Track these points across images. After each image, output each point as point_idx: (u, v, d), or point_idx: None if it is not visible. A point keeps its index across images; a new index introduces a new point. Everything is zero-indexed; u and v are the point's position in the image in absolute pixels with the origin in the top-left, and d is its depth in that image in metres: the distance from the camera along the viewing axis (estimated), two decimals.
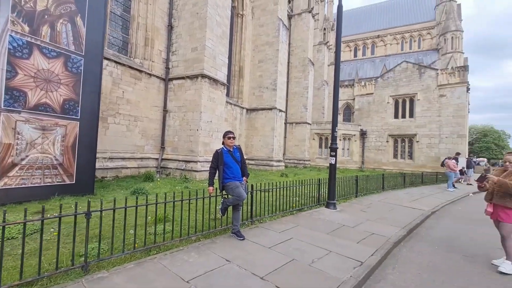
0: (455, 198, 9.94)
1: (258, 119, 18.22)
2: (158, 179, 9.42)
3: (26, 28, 5.12)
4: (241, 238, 3.89)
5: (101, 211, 2.88)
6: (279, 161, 18.35)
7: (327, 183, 6.68)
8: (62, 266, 2.71)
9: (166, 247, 3.42)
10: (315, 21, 27.03)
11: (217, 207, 4.45)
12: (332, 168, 6.56)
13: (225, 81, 12.43)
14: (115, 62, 9.92)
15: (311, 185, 6.61)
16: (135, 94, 10.72)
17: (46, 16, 5.37)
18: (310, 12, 24.28)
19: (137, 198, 3.42)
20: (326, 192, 6.70)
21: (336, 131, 6.61)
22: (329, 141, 24.58)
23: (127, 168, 10.14)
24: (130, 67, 10.45)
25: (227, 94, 16.30)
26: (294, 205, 6.02)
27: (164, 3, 11.89)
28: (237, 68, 17.95)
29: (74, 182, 5.87)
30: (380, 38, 40.47)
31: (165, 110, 11.82)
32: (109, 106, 9.73)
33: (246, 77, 18.43)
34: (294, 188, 6.05)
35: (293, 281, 2.79)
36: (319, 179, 6.88)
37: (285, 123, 22.39)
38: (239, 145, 4.32)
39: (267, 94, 18.10)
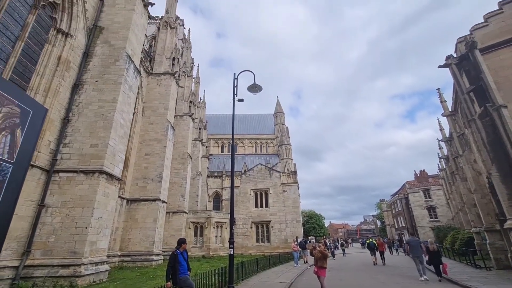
0: (301, 271, 14.14)
1: (139, 210, 18.04)
2: None
3: None
4: None
5: None
6: (158, 254, 17.93)
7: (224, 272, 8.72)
8: None
9: None
10: (194, 123, 32.15)
11: None
12: (231, 258, 8.80)
13: (120, 176, 12.96)
14: None
15: (215, 275, 8.42)
16: None
17: None
18: (190, 116, 29.33)
19: None
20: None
21: (233, 229, 9.22)
22: (204, 229, 26.37)
23: None
24: None
25: None
26: None
27: (64, 99, 12.19)
28: None
29: None
30: (240, 140, 51.41)
31: (41, 205, 10.49)
32: None
33: (131, 168, 18.81)
34: (203, 279, 7.67)
35: None
36: (222, 269, 8.83)
37: None
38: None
39: (152, 185, 18.89)
